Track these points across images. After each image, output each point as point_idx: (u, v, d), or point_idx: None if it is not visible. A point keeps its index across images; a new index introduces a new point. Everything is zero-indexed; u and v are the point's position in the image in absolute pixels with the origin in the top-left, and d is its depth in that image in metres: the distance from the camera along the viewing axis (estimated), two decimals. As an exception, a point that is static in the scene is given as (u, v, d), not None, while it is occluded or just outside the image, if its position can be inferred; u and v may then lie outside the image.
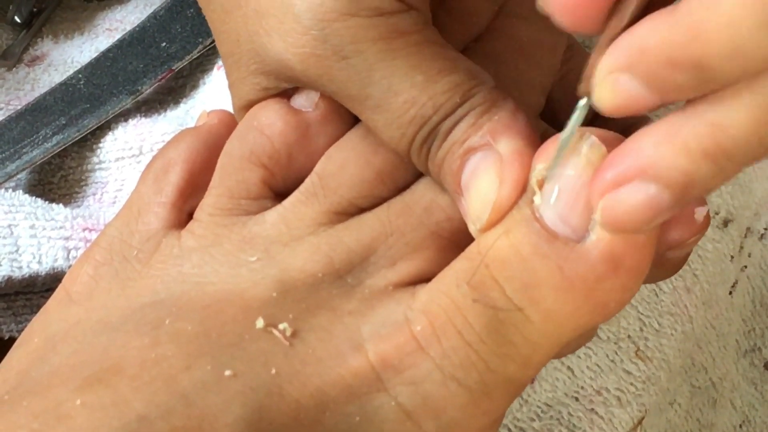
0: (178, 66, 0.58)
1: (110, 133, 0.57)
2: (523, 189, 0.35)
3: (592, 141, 0.34)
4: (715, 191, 0.54)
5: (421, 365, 0.35)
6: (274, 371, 0.35)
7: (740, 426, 0.58)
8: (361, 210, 0.39)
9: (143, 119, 0.57)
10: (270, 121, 0.40)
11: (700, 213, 0.37)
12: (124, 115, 0.58)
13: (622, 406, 0.48)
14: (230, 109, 0.45)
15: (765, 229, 0.59)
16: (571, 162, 0.34)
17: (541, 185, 0.34)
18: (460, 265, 0.36)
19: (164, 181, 0.41)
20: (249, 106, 0.42)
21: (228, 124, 0.43)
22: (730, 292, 0.58)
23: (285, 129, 0.40)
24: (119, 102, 0.57)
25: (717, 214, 0.55)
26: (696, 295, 0.52)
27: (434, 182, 0.39)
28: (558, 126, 0.43)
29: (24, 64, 0.63)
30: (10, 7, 0.65)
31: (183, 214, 0.41)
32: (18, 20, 0.65)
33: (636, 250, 0.34)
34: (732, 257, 0.56)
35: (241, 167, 0.40)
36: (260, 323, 0.36)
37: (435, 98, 0.37)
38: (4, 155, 0.55)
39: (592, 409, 0.48)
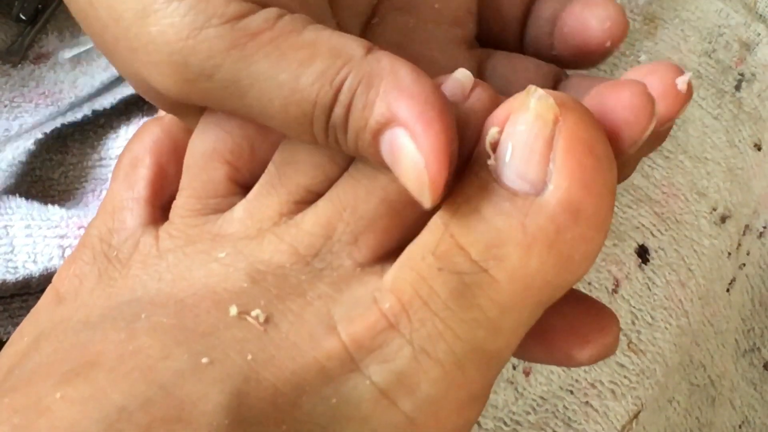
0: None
1: (112, 130, 0.58)
2: (446, 152, 0.34)
3: (539, 94, 0.34)
4: (713, 188, 0.54)
5: (392, 342, 0.35)
6: (249, 357, 0.35)
7: (739, 426, 0.58)
8: (320, 196, 0.39)
9: (146, 118, 0.57)
10: (227, 117, 0.40)
11: (682, 81, 0.37)
12: (126, 115, 0.59)
13: (616, 399, 0.48)
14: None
15: (764, 227, 0.60)
16: (521, 117, 0.34)
17: (494, 147, 0.35)
18: (423, 238, 0.36)
19: (134, 177, 0.41)
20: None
21: None
22: (728, 290, 0.58)
23: (242, 122, 0.40)
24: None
25: (715, 210, 0.55)
26: (691, 290, 0.52)
27: None
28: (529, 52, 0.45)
29: (29, 61, 0.64)
30: (15, 4, 0.65)
31: (157, 210, 0.41)
32: (23, 17, 0.64)
33: (594, 197, 0.34)
34: (729, 254, 0.56)
35: (205, 166, 0.40)
36: (234, 311, 0.36)
37: (306, 93, 0.35)
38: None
39: (587, 402, 0.48)
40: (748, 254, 0.59)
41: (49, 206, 0.52)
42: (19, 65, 0.63)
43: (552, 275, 0.35)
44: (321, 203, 0.38)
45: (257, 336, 0.35)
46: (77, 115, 0.57)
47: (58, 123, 0.57)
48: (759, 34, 0.58)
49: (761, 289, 0.61)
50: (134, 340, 0.35)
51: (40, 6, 0.65)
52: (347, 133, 0.36)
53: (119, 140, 0.57)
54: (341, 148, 0.37)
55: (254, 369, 0.35)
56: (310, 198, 0.39)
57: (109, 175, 0.56)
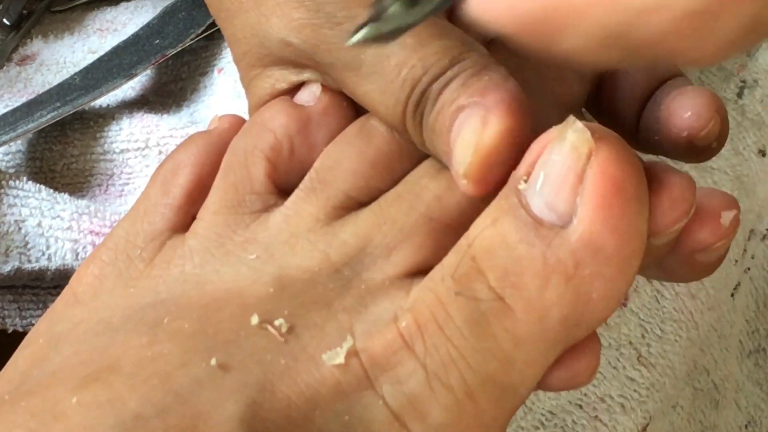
0: (171, 52, 0.58)
1: (114, 122, 0.57)
2: (509, 138, 0.35)
3: (577, 126, 0.34)
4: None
5: (406, 363, 0.35)
6: (267, 367, 0.35)
7: (746, 426, 0.58)
8: (361, 204, 0.39)
9: (148, 114, 0.57)
10: (273, 116, 0.41)
11: (726, 217, 0.37)
12: (129, 108, 0.59)
13: (626, 413, 0.48)
14: (234, 113, 0.45)
15: (767, 229, 0.60)
16: (556, 147, 0.34)
17: (528, 174, 0.35)
18: (448, 259, 0.36)
19: (172, 183, 0.42)
20: (260, 105, 0.43)
21: (238, 130, 0.43)
22: (732, 294, 0.58)
23: (287, 121, 0.41)
24: (114, 84, 0.57)
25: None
26: (701, 301, 0.52)
27: (424, 168, 0.40)
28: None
29: (14, 63, 0.63)
30: None
31: (189, 218, 0.41)
32: (7, 22, 0.65)
33: (616, 237, 0.34)
34: (736, 261, 0.56)
35: (245, 161, 0.41)
36: (255, 320, 0.36)
37: (425, 59, 0.37)
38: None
39: (596, 417, 0.48)
40: (752, 258, 0.59)
41: (58, 196, 0.52)
42: (5, 67, 0.62)
43: (569, 311, 0.34)
44: (362, 213, 0.39)
45: (277, 346, 0.36)
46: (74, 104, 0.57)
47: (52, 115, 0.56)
48: (760, 39, 0.57)
49: (766, 290, 0.61)
50: (155, 345, 0.35)
51: (24, 11, 0.65)
52: (434, 106, 0.37)
53: (123, 134, 0.57)
54: (421, 129, 0.38)
55: (270, 380, 0.35)
56: (349, 204, 0.39)
57: (116, 170, 0.56)
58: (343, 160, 0.40)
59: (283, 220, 0.39)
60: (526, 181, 0.35)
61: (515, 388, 0.36)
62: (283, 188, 0.41)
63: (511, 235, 0.34)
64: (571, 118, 0.34)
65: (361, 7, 0.38)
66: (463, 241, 0.36)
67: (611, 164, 0.34)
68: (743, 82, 0.57)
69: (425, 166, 0.40)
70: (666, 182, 0.36)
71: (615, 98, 0.44)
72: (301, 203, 0.40)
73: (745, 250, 0.58)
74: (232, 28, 0.42)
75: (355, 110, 0.42)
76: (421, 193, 0.39)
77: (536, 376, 0.36)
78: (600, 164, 0.33)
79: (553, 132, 0.35)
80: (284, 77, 0.42)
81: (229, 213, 0.40)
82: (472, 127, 0.36)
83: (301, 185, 0.40)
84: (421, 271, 0.37)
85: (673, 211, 0.36)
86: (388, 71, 0.38)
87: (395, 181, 0.40)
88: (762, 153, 0.57)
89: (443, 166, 0.39)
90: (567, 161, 0.34)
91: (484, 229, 0.35)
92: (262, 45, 0.41)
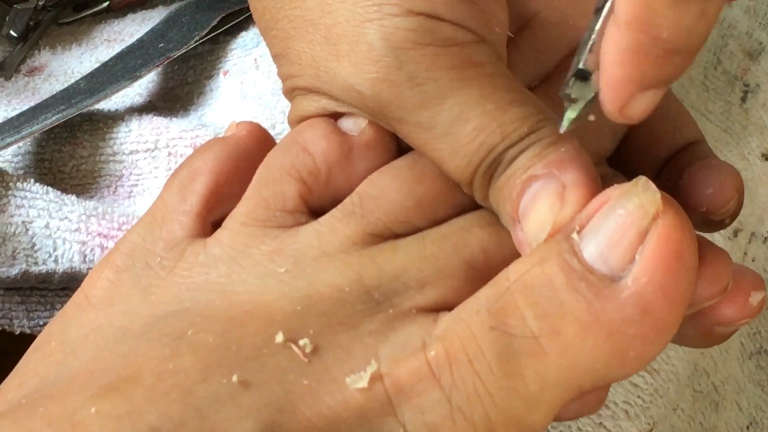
0: (175, 54, 0.58)
1: (123, 123, 0.58)
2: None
3: (649, 185, 0.34)
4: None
5: (431, 394, 0.35)
6: (289, 387, 0.35)
7: (747, 427, 0.58)
8: (396, 236, 0.39)
9: (158, 117, 0.58)
10: (315, 139, 0.41)
11: (755, 297, 0.38)
12: (138, 111, 0.59)
13: (630, 419, 0.48)
14: (243, 116, 0.45)
15: (768, 232, 0.60)
16: (623, 202, 0.34)
17: (581, 227, 0.35)
18: (485, 291, 0.36)
19: (189, 190, 0.41)
20: (302, 119, 0.43)
21: (257, 137, 0.43)
22: (733, 297, 0.58)
23: (328, 148, 0.41)
24: (118, 86, 0.57)
25: (730, 224, 0.55)
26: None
27: (473, 218, 0.40)
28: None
29: (22, 74, 0.63)
30: (6, 20, 0.65)
31: (207, 224, 0.41)
32: (14, 34, 0.65)
33: (667, 303, 0.34)
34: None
35: (281, 179, 0.40)
36: (280, 338, 0.36)
37: (504, 126, 0.38)
38: (4, 134, 0.55)
39: (601, 423, 0.48)
40: (753, 261, 0.59)
41: (65, 198, 0.52)
42: (13, 78, 0.63)
43: (602, 364, 0.34)
44: (403, 244, 0.39)
45: (300, 366, 0.35)
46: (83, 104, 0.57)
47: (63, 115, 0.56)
48: (761, 43, 0.58)
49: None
50: (176, 357, 0.35)
51: (31, 23, 0.65)
52: (507, 170, 0.38)
53: (132, 135, 0.57)
54: (487, 190, 0.39)
55: (291, 400, 0.34)
56: (385, 234, 0.39)
57: (125, 172, 0.56)
58: (389, 191, 0.40)
59: (315, 236, 0.39)
60: (578, 233, 0.35)
61: (534, 427, 0.36)
62: (313, 210, 0.41)
63: (557, 277, 0.34)
64: (643, 178, 0.35)
65: (443, 70, 0.38)
66: (502, 276, 0.36)
67: (676, 230, 0.34)
68: (746, 86, 0.57)
69: (477, 215, 0.40)
70: (707, 258, 0.37)
71: (636, 154, 0.45)
72: (337, 223, 0.39)
73: (745, 253, 0.58)
74: (283, 48, 0.42)
75: (398, 146, 0.42)
76: (468, 240, 0.39)
77: (554, 415, 0.36)
78: (666, 228, 0.34)
79: (615, 189, 0.35)
80: (330, 106, 0.42)
81: (257, 225, 0.40)
82: (549, 202, 0.36)
83: (340, 206, 0.40)
84: (448, 307, 0.37)
85: (713, 287, 0.37)
86: (464, 134, 0.38)
87: (435, 222, 0.40)
88: (765, 157, 0.57)
89: (495, 220, 0.39)
90: (632, 217, 0.34)
91: (530, 268, 0.35)
92: (319, 78, 0.41)
